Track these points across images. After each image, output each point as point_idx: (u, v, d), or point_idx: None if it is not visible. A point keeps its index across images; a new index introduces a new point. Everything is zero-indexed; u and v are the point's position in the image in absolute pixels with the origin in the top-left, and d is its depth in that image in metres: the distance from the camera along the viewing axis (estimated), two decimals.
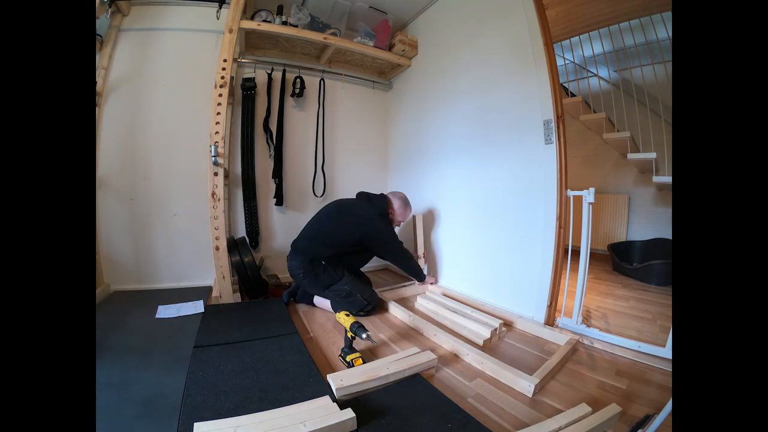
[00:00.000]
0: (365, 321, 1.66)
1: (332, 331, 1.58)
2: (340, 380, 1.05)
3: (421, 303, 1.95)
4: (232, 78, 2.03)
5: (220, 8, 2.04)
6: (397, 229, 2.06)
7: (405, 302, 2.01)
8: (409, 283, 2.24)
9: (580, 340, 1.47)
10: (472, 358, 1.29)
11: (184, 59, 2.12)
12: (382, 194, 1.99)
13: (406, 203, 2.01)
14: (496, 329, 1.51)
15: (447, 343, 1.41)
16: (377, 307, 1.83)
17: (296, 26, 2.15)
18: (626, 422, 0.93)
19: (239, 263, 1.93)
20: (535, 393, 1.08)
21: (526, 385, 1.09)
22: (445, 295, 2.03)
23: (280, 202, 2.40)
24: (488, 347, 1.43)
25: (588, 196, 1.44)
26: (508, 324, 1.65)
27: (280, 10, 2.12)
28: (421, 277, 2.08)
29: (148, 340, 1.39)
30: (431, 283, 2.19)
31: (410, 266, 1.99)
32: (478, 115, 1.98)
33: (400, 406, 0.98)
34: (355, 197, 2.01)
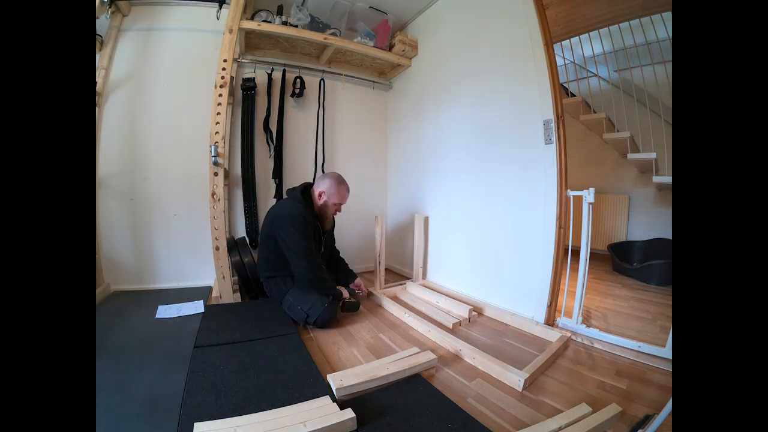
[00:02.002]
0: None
1: (332, 331, 1.58)
2: (340, 380, 1.05)
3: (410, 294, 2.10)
4: (232, 78, 2.03)
5: (220, 8, 2.04)
6: (344, 216, 2.08)
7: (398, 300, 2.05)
8: (403, 282, 2.28)
9: (572, 337, 1.48)
10: (467, 354, 1.32)
11: (184, 59, 2.12)
12: (304, 183, 1.82)
13: (339, 181, 1.77)
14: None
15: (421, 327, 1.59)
16: (328, 320, 1.57)
17: (296, 26, 2.15)
18: (626, 422, 0.93)
19: (239, 263, 1.93)
20: (525, 387, 1.11)
21: (515, 379, 1.12)
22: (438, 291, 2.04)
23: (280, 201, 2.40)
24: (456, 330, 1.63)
25: (588, 196, 1.44)
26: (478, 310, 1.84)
27: (280, 10, 2.12)
28: (325, 290, 1.63)
29: (148, 340, 1.39)
30: (344, 299, 1.73)
31: (311, 277, 1.60)
32: (478, 115, 1.98)
33: (400, 406, 0.98)
34: None
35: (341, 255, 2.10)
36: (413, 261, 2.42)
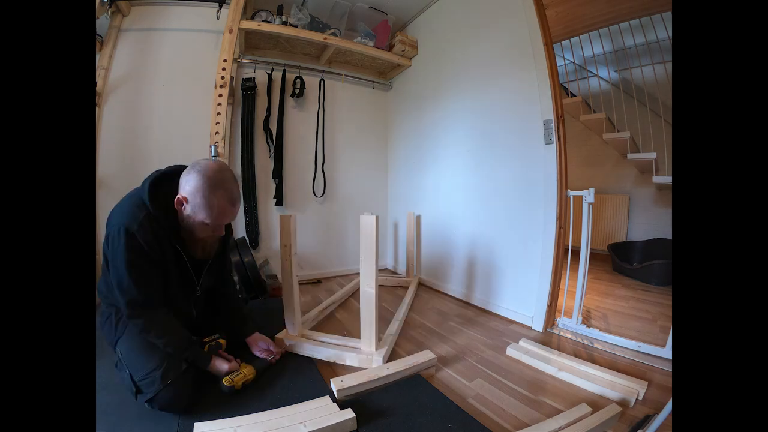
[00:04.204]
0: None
1: (332, 331, 1.58)
2: (340, 381, 1.04)
3: None
4: (232, 78, 2.03)
5: (220, 8, 2.04)
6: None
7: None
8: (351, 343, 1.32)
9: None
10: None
11: (184, 59, 2.12)
12: (162, 171, 1.02)
13: (213, 184, 0.92)
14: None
15: None
16: (172, 402, 0.92)
17: (296, 26, 2.15)
18: (626, 422, 0.93)
19: (239, 263, 1.93)
20: None
21: None
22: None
23: (280, 202, 2.40)
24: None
25: (588, 196, 1.44)
26: None
27: (280, 11, 2.12)
28: (176, 352, 0.98)
29: None
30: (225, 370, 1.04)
31: (149, 339, 0.96)
32: (478, 115, 1.99)
33: (400, 406, 0.98)
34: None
35: (240, 294, 1.45)
36: (414, 261, 2.42)
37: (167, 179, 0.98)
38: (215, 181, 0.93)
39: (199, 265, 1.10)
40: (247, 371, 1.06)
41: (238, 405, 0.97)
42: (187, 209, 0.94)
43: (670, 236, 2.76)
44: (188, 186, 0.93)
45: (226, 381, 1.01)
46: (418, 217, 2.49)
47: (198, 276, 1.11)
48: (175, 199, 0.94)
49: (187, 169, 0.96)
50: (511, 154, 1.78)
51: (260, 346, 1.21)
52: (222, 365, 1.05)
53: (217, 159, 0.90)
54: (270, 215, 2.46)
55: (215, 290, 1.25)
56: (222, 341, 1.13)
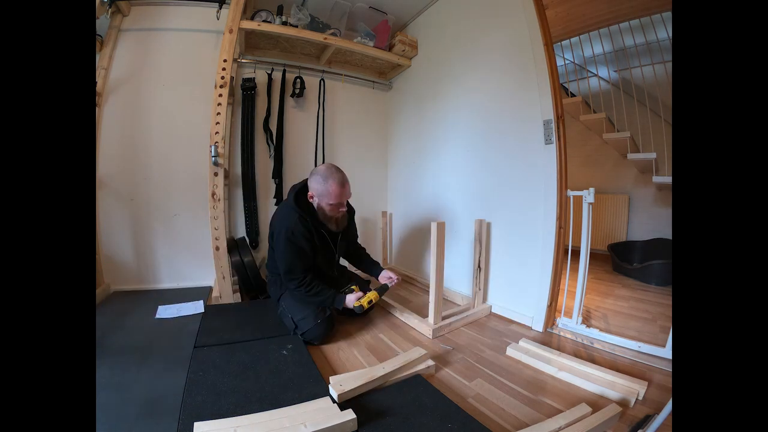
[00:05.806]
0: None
1: (332, 331, 1.58)
2: (340, 386, 1.04)
3: None
4: (232, 78, 2.02)
5: (220, 8, 2.04)
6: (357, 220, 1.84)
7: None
8: None
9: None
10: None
11: (184, 59, 2.12)
12: (301, 182, 1.56)
13: (326, 176, 1.41)
14: None
15: None
16: (317, 337, 1.41)
17: (296, 26, 2.15)
18: (626, 422, 0.93)
19: (239, 263, 1.93)
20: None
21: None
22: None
23: (280, 202, 2.40)
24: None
25: (588, 196, 1.44)
26: None
27: (280, 11, 2.12)
28: (322, 304, 1.47)
29: (148, 340, 1.39)
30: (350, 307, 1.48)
31: (299, 297, 1.47)
32: (478, 115, 1.98)
33: (400, 407, 0.98)
34: None
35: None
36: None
37: (302, 189, 1.51)
38: (326, 174, 1.41)
39: (335, 237, 1.59)
40: (371, 295, 1.48)
41: (239, 405, 0.97)
42: (316, 200, 1.46)
43: (670, 236, 2.76)
44: (312, 185, 1.45)
45: (356, 305, 1.45)
46: (391, 215, 2.63)
47: (335, 246, 1.61)
48: (309, 194, 1.46)
49: (311, 173, 1.48)
50: (510, 154, 1.77)
51: (384, 275, 1.68)
52: (352, 297, 1.49)
53: (327, 162, 1.60)
54: (270, 215, 2.46)
55: (349, 251, 1.83)
56: (354, 287, 1.55)
